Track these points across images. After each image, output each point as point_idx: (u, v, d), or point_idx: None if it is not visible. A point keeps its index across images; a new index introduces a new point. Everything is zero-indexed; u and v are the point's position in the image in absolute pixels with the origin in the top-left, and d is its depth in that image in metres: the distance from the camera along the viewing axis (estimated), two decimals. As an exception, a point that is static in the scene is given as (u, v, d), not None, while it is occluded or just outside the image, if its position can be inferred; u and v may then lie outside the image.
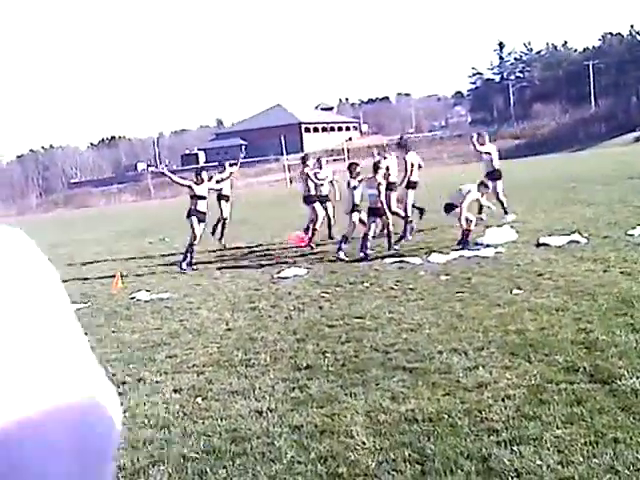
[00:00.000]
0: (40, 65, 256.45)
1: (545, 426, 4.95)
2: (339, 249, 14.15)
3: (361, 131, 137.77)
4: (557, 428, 4.90)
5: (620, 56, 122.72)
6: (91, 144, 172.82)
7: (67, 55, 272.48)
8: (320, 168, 17.14)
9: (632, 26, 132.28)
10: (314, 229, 16.63)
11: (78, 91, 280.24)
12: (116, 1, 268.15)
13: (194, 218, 14.87)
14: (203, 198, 15.00)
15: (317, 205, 16.70)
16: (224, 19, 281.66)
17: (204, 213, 15.14)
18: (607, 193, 21.60)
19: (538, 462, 4.44)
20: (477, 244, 13.02)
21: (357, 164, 15.28)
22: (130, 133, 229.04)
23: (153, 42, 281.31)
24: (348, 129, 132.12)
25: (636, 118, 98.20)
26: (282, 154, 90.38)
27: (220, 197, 19.25)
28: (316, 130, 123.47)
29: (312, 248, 16.07)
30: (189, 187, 15.15)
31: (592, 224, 14.94)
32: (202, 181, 15.12)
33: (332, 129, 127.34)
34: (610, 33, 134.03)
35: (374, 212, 14.06)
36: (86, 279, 15.14)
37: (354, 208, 14.41)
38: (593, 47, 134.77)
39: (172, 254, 18.44)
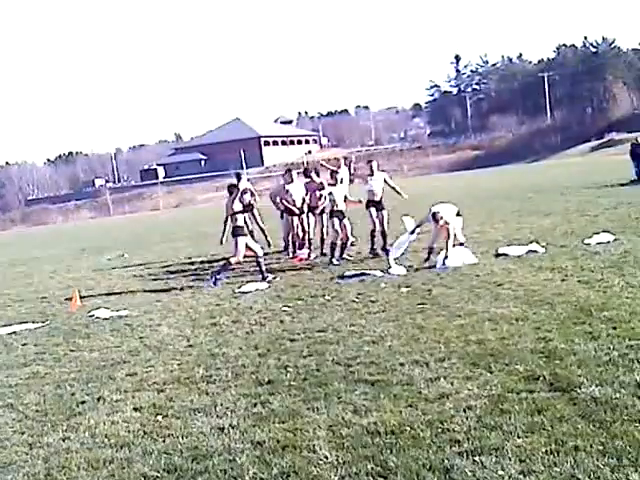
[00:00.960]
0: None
1: (506, 436, 4.97)
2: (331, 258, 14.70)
3: (321, 144, 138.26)
4: (518, 437, 4.92)
5: (575, 67, 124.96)
6: (48, 160, 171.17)
7: (22, 69, 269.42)
8: (292, 181, 16.92)
9: (586, 38, 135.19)
10: (293, 241, 16.87)
11: (33, 106, 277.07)
12: (70, 13, 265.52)
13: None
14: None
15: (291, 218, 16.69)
16: (180, 34, 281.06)
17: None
18: (564, 203, 21.94)
19: (500, 472, 4.45)
20: (443, 266, 12.76)
21: (337, 171, 15.59)
22: (87, 148, 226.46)
23: (109, 57, 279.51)
24: (308, 142, 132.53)
25: (591, 129, 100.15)
26: (242, 168, 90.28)
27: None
28: (275, 143, 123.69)
29: (308, 256, 16.21)
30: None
31: (549, 234, 15.15)
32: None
33: (292, 142, 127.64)
34: (564, 45, 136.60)
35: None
36: (44, 298, 14.91)
37: (332, 214, 14.78)
38: (548, 59, 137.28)
39: (131, 271, 18.28)
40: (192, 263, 18.26)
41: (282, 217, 17.44)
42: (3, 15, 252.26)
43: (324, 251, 16.03)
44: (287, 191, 16.68)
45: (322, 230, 16.37)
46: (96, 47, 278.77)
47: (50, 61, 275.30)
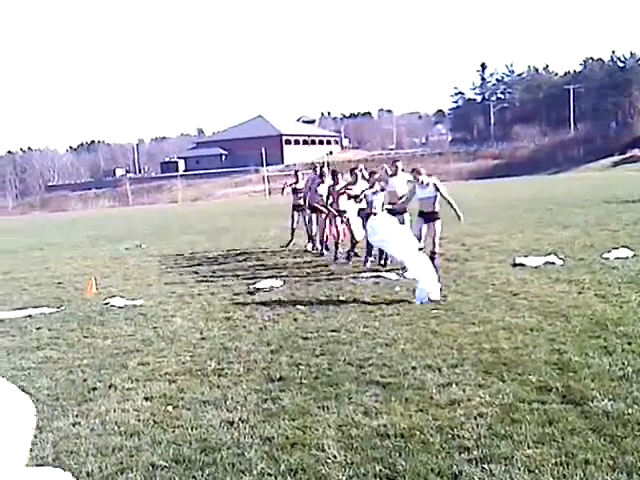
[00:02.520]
0: (20, 66, 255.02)
1: (516, 445, 4.95)
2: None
3: (342, 145, 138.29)
4: (528, 447, 4.90)
5: (600, 81, 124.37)
6: (70, 147, 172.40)
7: (49, 57, 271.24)
8: (323, 182, 16.95)
9: (613, 52, 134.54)
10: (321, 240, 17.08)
11: (58, 93, 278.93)
12: (101, 4, 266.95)
13: None
14: None
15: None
16: (209, 28, 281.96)
17: None
18: (584, 216, 21.83)
19: (508, 481, 4.43)
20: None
21: (375, 172, 15.23)
22: (110, 138, 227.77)
23: (136, 48, 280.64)
24: (329, 143, 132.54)
25: (614, 143, 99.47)
26: (262, 165, 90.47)
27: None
28: (297, 143, 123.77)
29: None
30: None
31: (568, 246, 15.07)
32: None
33: (313, 142, 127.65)
34: (591, 58, 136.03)
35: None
36: (60, 283, 14.99)
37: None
38: (574, 71, 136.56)
39: (147, 261, 18.35)
40: (208, 257, 18.31)
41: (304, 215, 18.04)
42: (30, 3, 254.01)
43: (356, 251, 15.43)
44: (316, 191, 16.91)
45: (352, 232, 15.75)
46: (124, 38, 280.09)
47: (77, 49, 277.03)
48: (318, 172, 17.58)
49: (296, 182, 18.64)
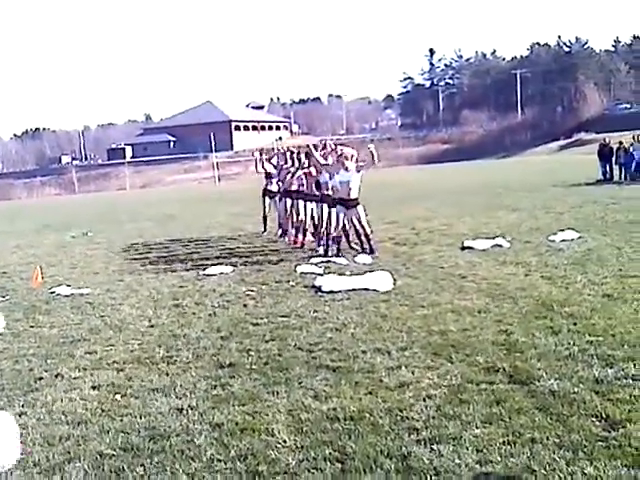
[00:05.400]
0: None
1: (465, 425, 5.00)
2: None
3: (292, 131, 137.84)
4: (476, 427, 4.95)
5: (547, 66, 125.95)
6: (14, 135, 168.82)
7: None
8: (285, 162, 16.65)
9: (559, 37, 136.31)
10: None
11: (1, 79, 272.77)
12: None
13: None
14: None
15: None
16: (156, 13, 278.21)
17: None
18: (531, 200, 22.15)
19: (457, 461, 4.48)
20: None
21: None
22: (55, 125, 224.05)
23: (82, 32, 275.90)
24: (279, 128, 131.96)
25: (560, 127, 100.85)
26: (211, 151, 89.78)
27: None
28: (246, 128, 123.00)
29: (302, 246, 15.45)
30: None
31: (515, 229, 15.28)
32: None
33: (262, 128, 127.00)
34: (538, 43, 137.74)
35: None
36: (4, 273, 14.70)
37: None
38: (521, 56, 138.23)
39: (94, 249, 18.10)
40: (156, 244, 18.12)
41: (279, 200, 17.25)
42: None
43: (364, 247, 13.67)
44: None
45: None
46: (70, 23, 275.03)
47: (21, 34, 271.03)
48: (292, 156, 16.56)
49: (269, 160, 18.21)
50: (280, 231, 17.43)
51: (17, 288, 12.54)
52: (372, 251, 13.17)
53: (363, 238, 13.55)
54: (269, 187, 18.04)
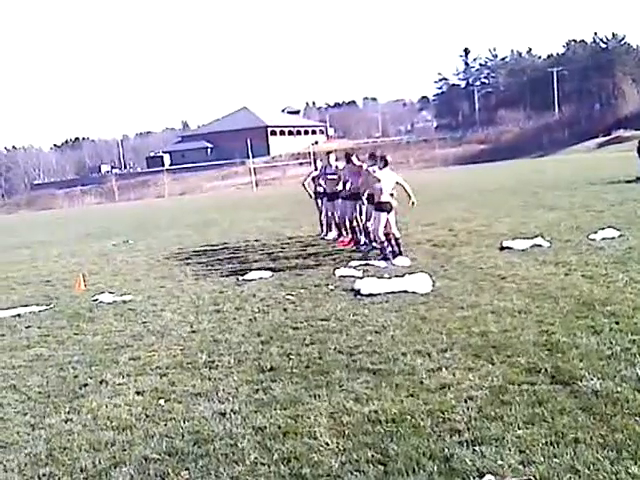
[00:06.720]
0: (1, 64, 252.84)
1: (507, 426, 4.99)
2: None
3: (327, 135, 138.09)
4: (518, 428, 4.93)
5: (584, 63, 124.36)
6: (54, 145, 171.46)
7: (31, 55, 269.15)
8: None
9: (596, 33, 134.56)
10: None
11: (41, 91, 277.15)
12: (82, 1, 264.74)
13: None
14: None
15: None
16: (191, 21, 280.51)
17: None
18: (569, 198, 21.90)
19: (499, 462, 4.47)
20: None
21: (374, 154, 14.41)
22: (94, 134, 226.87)
23: (118, 44, 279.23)
24: (314, 133, 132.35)
25: (598, 125, 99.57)
26: (248, 157, 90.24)
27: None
28: (282, 133, 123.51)
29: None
30: None
31: (554, 228, 15.13)
32: None
33: (298, 133, 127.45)
34: (574, 40, 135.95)
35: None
36: (48, 281, 14.95)
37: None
38: (557, 54, 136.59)
39: (135, 256, 18.31)
40: (196, 251, 18.28)
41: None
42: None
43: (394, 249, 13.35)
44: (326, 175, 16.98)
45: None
46: (107, 33, 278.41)
47: (59, 46, 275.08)
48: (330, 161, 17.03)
49: (315, 169, 18.39)
50: (329, 232, 17.71)
51: (60, 296, 12.74)
52: (400, 253, 13.09)
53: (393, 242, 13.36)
54: (319, 189, 18.06)
